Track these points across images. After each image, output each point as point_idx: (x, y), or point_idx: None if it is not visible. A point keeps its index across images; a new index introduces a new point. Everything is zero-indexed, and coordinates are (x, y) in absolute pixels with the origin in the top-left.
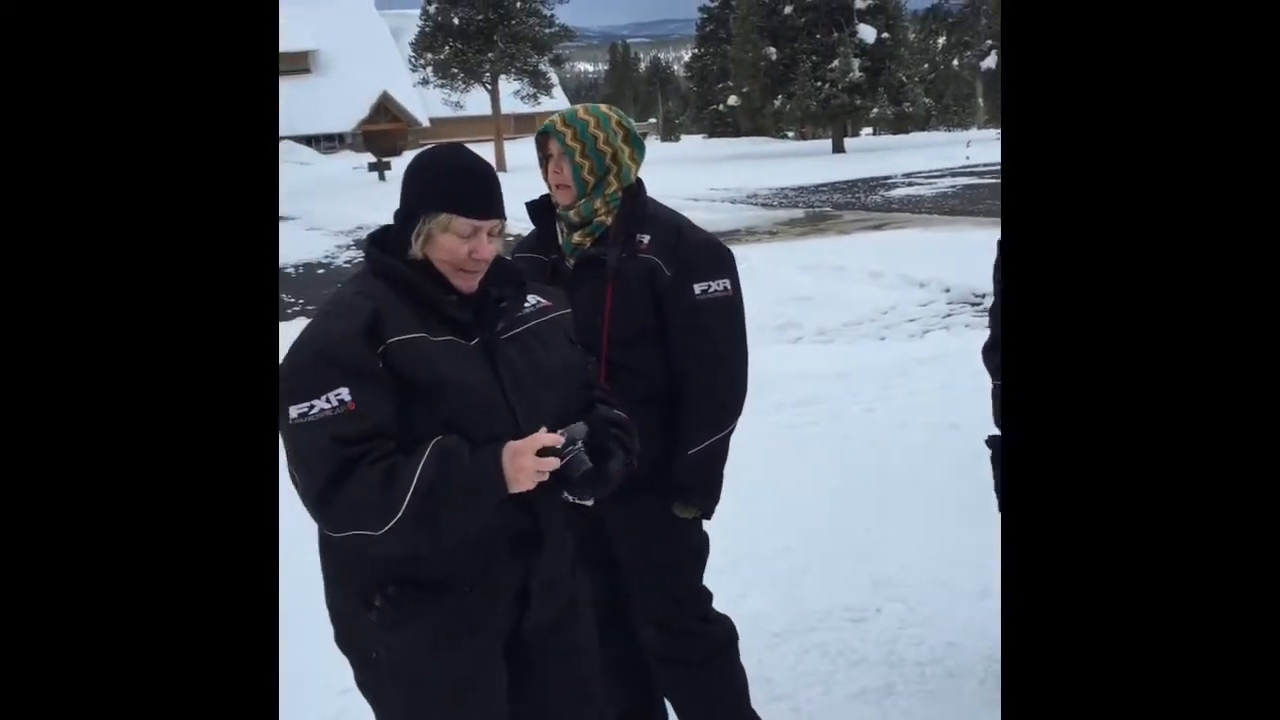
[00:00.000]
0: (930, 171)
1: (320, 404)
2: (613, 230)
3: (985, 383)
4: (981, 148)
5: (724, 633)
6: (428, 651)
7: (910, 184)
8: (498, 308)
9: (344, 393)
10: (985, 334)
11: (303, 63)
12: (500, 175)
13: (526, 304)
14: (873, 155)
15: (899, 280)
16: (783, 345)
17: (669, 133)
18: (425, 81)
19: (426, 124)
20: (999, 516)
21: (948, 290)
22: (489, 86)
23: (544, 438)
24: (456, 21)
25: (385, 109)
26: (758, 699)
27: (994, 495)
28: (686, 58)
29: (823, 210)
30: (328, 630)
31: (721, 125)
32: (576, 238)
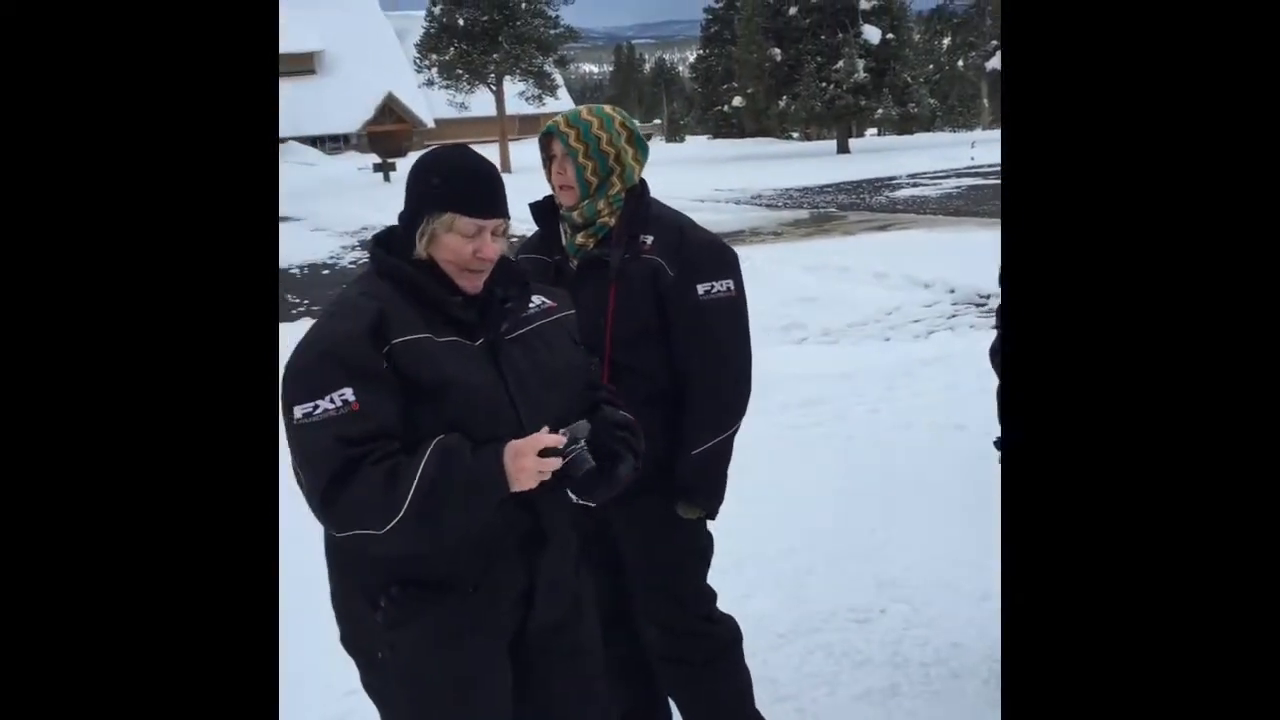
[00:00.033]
0: (935, 172)
1: (325, 404)
2: (616, 231)
3: (990, 384)
4: (986, 148)
5: (728, 633)
6: (432, 651)
7: (915, 185)
8: (502, 308)
9: (348, 393)
10: (990, 335)
11: (308, 64)
12: (505, 176)
13: (531, 304)
14: (877, 156)
15: (904, 281)
16: (787, 346)
17: (674, 134)
18: (430, 82)
19: (431, 125)
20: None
21: (952, 291)
22: (494, 87)
23: (546, 438)
24: (461, 22)
25: (390, 110)
26: (762, 700)
27: (999, 496)
28: (691, 59)
29: (827, 211)
30: (330, 632)
31: (726, 126)
32: (580, 239)
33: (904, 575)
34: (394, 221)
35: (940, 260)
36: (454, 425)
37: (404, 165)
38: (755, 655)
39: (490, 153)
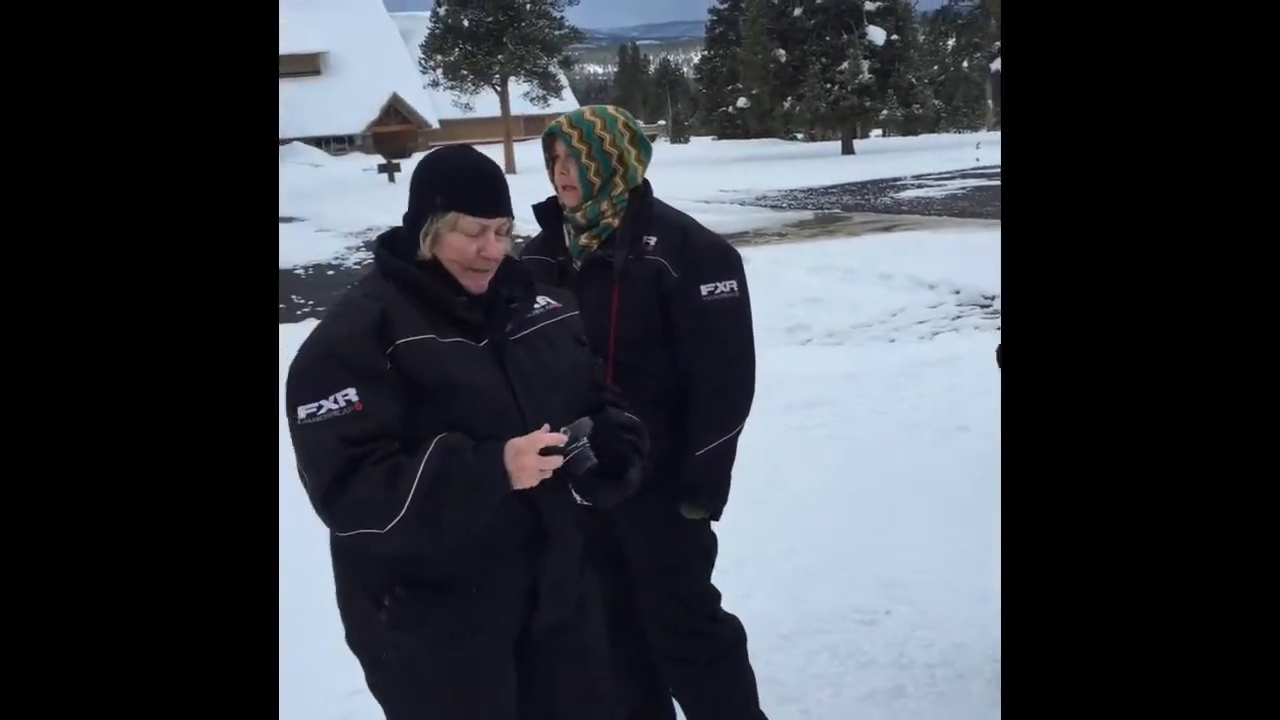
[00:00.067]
0: (940, 173)
1: (328, 404)
2: (619, 232)
3: (995, 385)
4: (991, 150)
5: (732, 633)
6: (436, 651)
7: (920, 186)
8: (507, 309)
9: (351, 393)
10: (996, 336)
11: (313, 64)
12: (510, 177)
13: (536, 305)
14: (882, 157)
15: (908, 282)
16: (792, 347)
17: (678, 135)
18: (435, 83)
19: (436, 126)
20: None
21: (957, 292)
22: (498, 88)
23: (546, 436)
24: (466, 23)
25: (395, 111)
26: (767, 701)
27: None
28: (696, 60)
29: (832, 212)
30: (332, 632)
31: (731, 127)
32: (583, 240)
33: (908, 576)
34: (399, 222)
35: (945, 261)
36: (458, 426)
37: (409, 166)
38: (759, 656)
39: (495, 153)
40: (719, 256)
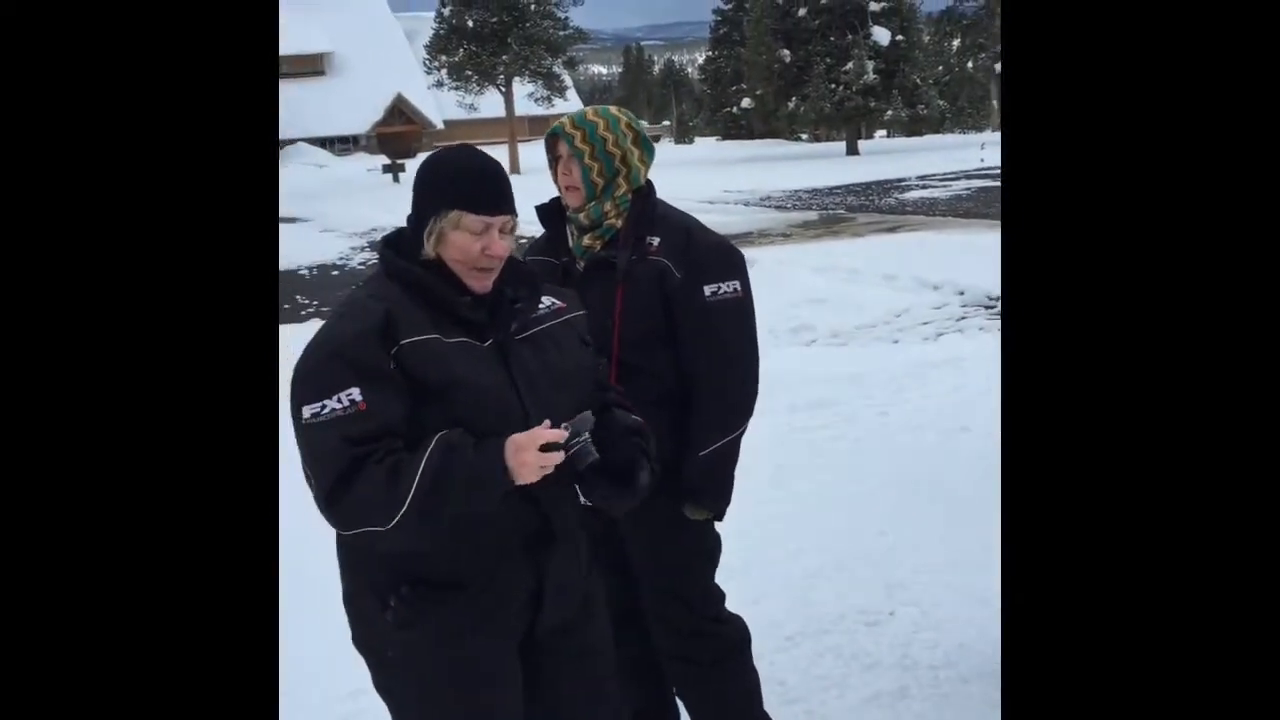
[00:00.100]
0: (944, 174)
1: (332, 404)
2: (623, 233)
3: (999, 385)
4: (996, 150)
5: (736, 633)
6: (442, 651)
7: (924, 186)
8: (512, 308)
9: (355, 393)
10: (999, 337)
11: (317, 65)
12: (514, 178)
13: (540, 305)
14: (887, 158)
15: (913, 283)
16: (796, 348)
17: (682, 135)
18: (439, 84)
19: (440, 126)
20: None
21: (962, 293)
22: (503, 89)
23: (546, 433)
24: (471, 24)
25: (399, 111)
26: (771, 702)
27: None
28: (700, 60)
29: (836, 213)
30: (334, 633)
31: (735, 128)
32: (587, 240)
33: (913, 578)
34: (403, 223)
35: (949, 262)
36: (463, 425)
37: (413, 166)
38: (763, 657)
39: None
40: (722, 257)
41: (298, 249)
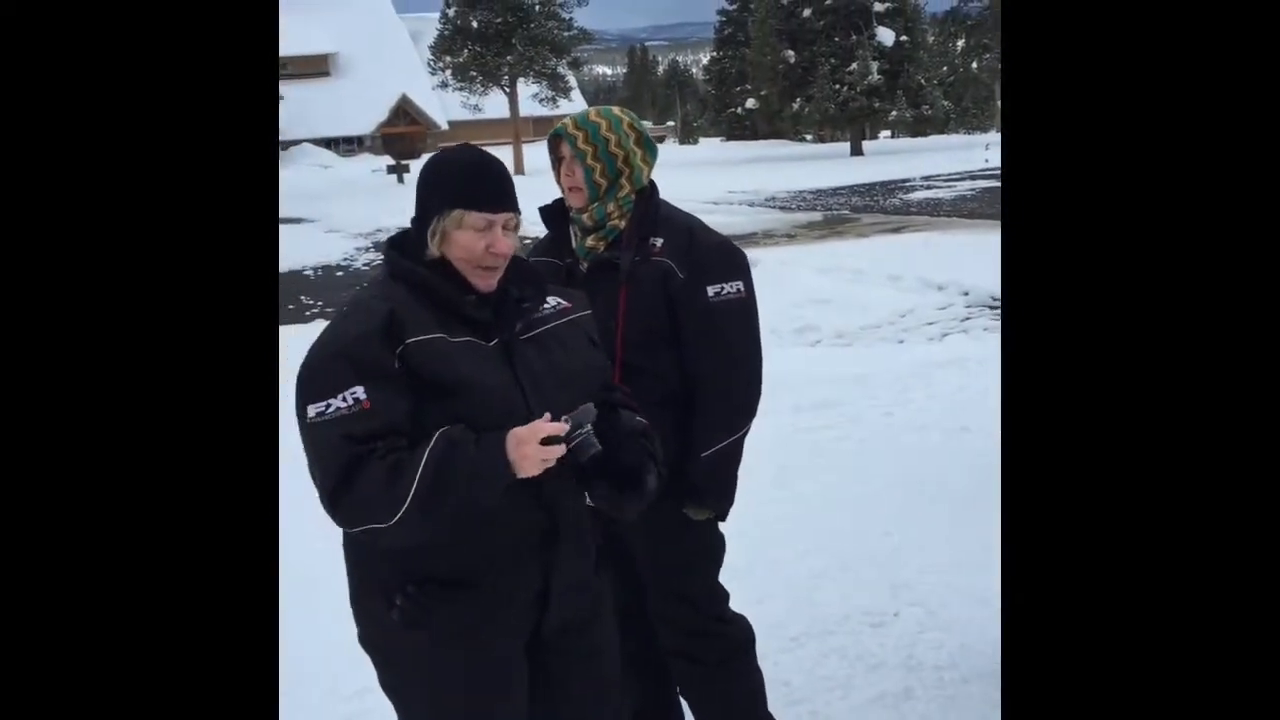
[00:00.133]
0: (949, 174)
1: (336, 403)
2: (626, 233)
3: None
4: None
5: (740, 633)
6: (448, 650)
7: (929, 187)
8: (518, 308)
9: (359, 391)
10: None
11: (322, 66)
12: (518, 178)
13: (546, 305)
14: (891, 158)
15: (917, 283)
16: (801, 348)
17: (687, 135)
18: (444, 84)
19: (445, 127)
20: None
21: (966, 293)
22: (507, 89)
23: (548, 426)
24: (475, 25)
25: (404, 112)
26: (775, 703)
27: None
28: (705, 61)
29: (841, 213)
30: (336, 633)
31: (740, 128)
32: (590, 241)
33: (917, 578)
34: (408, 224)
35: (954, 263)
36: (467, 425)
37: (417, 167)
38: (768, 658)
39: (504, 155)
40: (725, 257)
41: (302, 249)
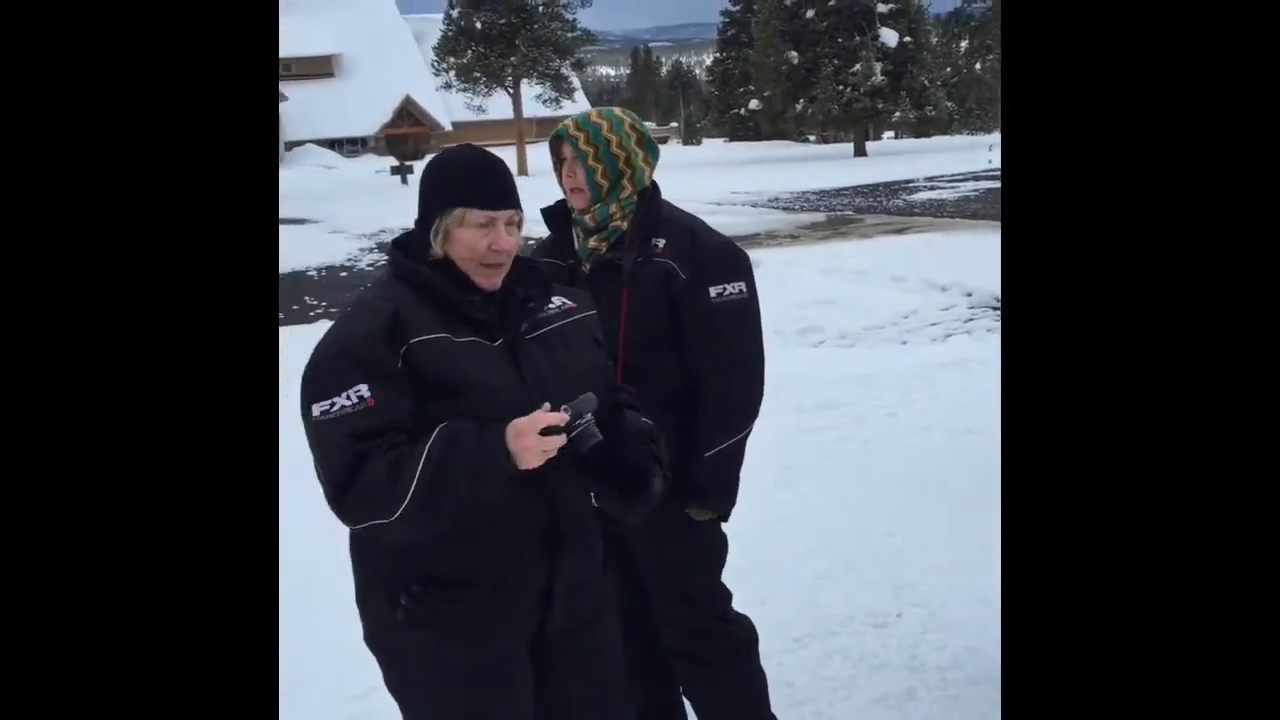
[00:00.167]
0: (952, 175)
1: (341, 401)
2: (628, 234)
3: None
4: None
5: (743, 633)
6: (452, 650)
7: (932, 188)
8: (522, 307)
9: (364, 389)
10: None
11: (326, 66)
12: (522, 179)
13: (551, 305)
14: (895, 159)
15: (921, 284)
16: (803, 349)
17: (690, 136)
18: (448, 85)
19: (449, 128)
20: None
21: (969, 294)
22: (511, 90)
23: (547, 416)
24: (479, 26)
25: (408, 113)
26: (778, 704)
27: None
28: (708, 61)
29: (844, 214)
30: (338, 634)
31: (743, 129)
32: (592, 242)
33: (921, 579)
34: (411, 224)
35: (957, 264)
36: None
37: (421, 168)
38: (771, 659)
39: (507, 155)
40: (727, 258)
41: (306, 250)
